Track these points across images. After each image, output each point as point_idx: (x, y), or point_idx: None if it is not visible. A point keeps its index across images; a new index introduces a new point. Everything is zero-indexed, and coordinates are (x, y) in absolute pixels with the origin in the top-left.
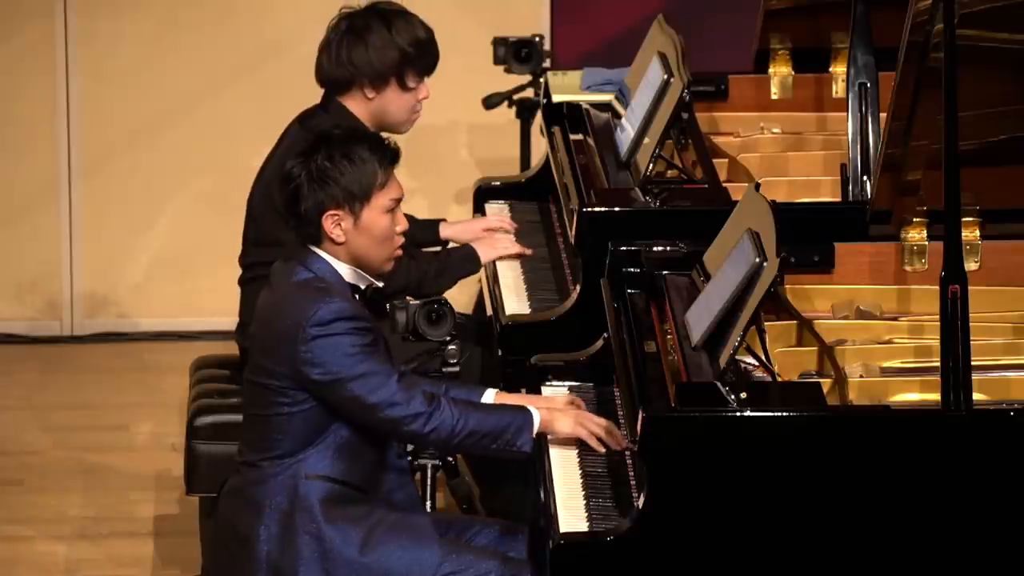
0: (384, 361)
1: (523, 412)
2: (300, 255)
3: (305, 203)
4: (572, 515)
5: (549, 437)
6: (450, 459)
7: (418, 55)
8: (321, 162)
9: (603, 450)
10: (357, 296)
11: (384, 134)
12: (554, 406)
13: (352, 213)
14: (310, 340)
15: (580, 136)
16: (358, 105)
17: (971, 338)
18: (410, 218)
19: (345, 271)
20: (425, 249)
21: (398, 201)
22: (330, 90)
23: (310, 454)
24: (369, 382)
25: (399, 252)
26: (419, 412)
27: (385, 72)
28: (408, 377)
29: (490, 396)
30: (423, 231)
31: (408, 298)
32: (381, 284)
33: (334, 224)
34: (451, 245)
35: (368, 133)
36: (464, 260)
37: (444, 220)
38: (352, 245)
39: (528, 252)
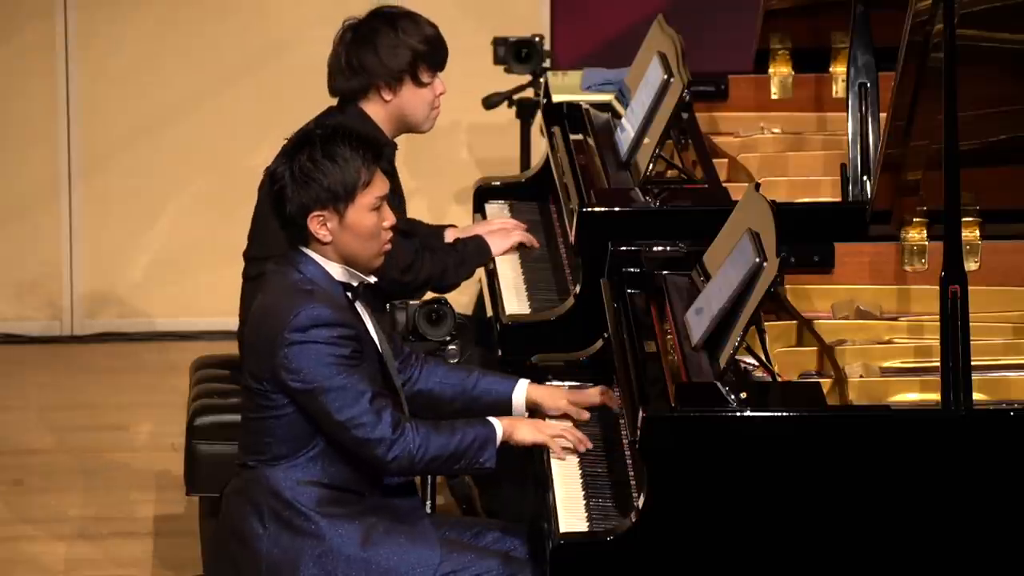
0: (362, 378)
1: (485, 427)
2: (291, 256)
3: (290, 205)
4: (572, 515)
5: None
6: None
7: (429, 50)
8: (304, 163)
9: (564, 456)
10: (350, 294)
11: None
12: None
13: (337, 213)
14: (288, 345)
15: (580, 136)
16: (376, 109)
17: (971, 338)
18: (417, 222)
19: (336, 270)
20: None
21: (383, 198)
22: (347, 98)
23: (301, 459)
24: (339, 398)
25: (388, 247)
26: (383, 438)
27: (399, 71)
28: (381, 399)
29: (523, 387)
30: (429, 237)
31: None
32: (374, 280)
33: (320, 225)
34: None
35: (351, 131)
36: (478, 251)
37: (451, 226)
38: (339, 244)
39: (535, 244)
